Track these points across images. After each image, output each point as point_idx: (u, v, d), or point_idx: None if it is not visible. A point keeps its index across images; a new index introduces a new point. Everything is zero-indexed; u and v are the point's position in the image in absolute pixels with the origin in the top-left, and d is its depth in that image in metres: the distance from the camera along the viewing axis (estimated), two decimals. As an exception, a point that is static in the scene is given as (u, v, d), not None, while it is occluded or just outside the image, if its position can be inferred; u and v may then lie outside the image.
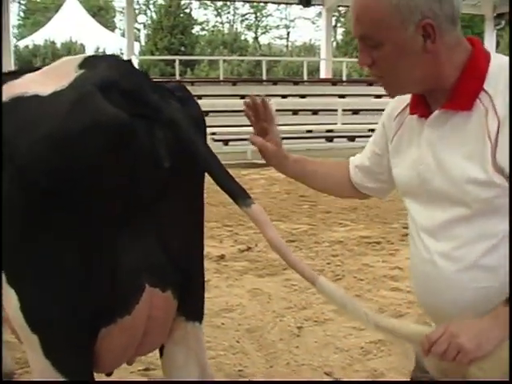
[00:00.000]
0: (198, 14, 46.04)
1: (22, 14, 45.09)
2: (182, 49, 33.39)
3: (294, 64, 31.38)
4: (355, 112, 17.10)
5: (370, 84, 18.48)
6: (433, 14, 1.67)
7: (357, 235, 7.36)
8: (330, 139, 16.41)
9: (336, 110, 15.51)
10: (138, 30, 40.69)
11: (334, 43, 30.03)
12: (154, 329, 2.18)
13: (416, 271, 1.93)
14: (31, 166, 1.85)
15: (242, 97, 16.75)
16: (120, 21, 47.79)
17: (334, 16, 27.32)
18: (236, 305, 5.23)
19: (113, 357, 2.17)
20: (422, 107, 1.87)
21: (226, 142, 13.07)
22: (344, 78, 21.79)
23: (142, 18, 45.02)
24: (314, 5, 22.96)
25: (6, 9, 18.76)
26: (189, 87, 2.27)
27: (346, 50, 35.34)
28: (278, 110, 13.87)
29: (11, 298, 1.99)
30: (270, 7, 47.24)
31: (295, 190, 10.17)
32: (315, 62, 28.40)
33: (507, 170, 1.65)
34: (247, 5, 46.24)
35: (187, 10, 36.59)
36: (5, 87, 2.06)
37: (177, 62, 21.23)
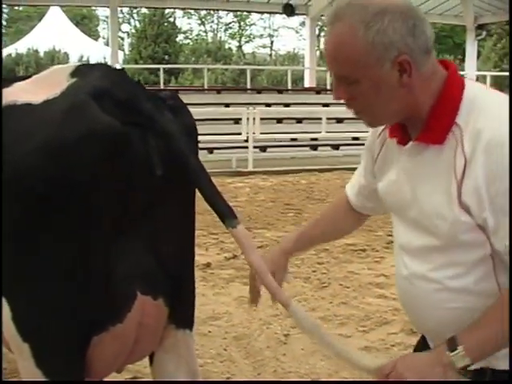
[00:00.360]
0: (181, 22, 46.10)
1: (4, 22, 44.88)
2: (166, 57, 33.39)
3: (277, 73, 31.48)
4: (339, 120, 17.15)
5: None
6: (408, 48, 1.67)
7: (342, 243, 7.36)
8: (314, 147, 16.46)
9: (320, 119, 15.58)
10: (122, 38, 40.59)
11: (318, 52, 30.10)
12: (145, 336, 2.18)
13: (397, 284, 2.01)
14: (24, 174, 1.85)
15: (227, 105, 16.83)
16: (103, 29, 47.86)
17: (317, 25, 27.40)
18: (223, 313, 5.23)
19: (104, 365, 2.17)
20: (400, 133, 1.87)
21: (210, 151, 13.07)
22: (328, 87, 21.83)
23: (125, 27, 45.00)
24: (297, 14, 23.08)
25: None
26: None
27: (330, 59, 35.46)
28: (262, 119, 13.95)
29: (2, 308, 1.99)
30: (254, 16, 47.38)
31: (280, 198, 10.19)
32: (299, 71, 28.48)
33: (473, 208, 1.67)
34: (231, 14, 46.40)
35: (171, 19, 36.65)
36: (-5, 96, 2.07)
37: (161, 71, 21.21)
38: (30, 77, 2.20)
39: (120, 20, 36.96)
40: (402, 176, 1.87)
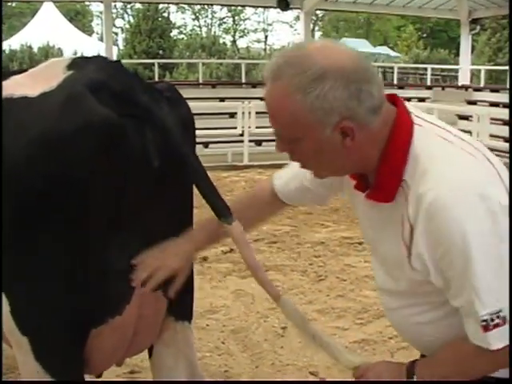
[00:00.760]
0: (175, 17, 45.84)
1: (-3, 18, 44.71)
2: (161, 52, 33.30)
3: (272, 67, 31.39)
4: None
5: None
6: (351, 113, 1.57)
7: (338, 236, 7.38)
8: (309, 141, 16.42)
9: (315, 112, 15.49)
10: (116, 34, 40.53)
11: (312, 46, 30.11)
12: (144, 328, 2.19)
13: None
14: (22, 168, 1.85)
15: (222, 99, 16.77)
16: (97, 25, 47.70)
17: (312, 20, 27.39)
18: (220, 306, 5.24)
19: (104, 357, 2.17)
20: (358, 179, 1.81)
21: (206, 145, 13.04)
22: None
23: (119, 22, 44.88)
24: (291, 8, 23.00)
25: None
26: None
27: (324, 53, 35.42)
28: (257, 113, 13.92)
29: (1, 302, 1.99)
30: (248, 11, 47.35)
31: (276, 191, 10.19)
32: (294, 65, 28.42)
33: (421, 272, 1.67)
34: (225, 8, 46.30)
35: (165, 14, 36.49)
36: (-9, 89, 2.06)
37: (156, 66, 21.16)
38: (26, 70, 2.19)
39: (114, 15, 36.84)
40: (364, 219, 1.89)
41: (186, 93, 2.35)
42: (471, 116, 13.09)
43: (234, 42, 47.56)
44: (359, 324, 4.89)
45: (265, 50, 48.16)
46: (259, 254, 6.57)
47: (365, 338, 4.55)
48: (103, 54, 22.36)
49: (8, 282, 1.96)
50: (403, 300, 1.85)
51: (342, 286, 5.75)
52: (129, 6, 42.05)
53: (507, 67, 15.72)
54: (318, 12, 36.42)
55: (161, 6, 34.31)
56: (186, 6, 43.53)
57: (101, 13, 28.23)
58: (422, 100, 17.85)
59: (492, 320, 1.58)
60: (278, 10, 22.86)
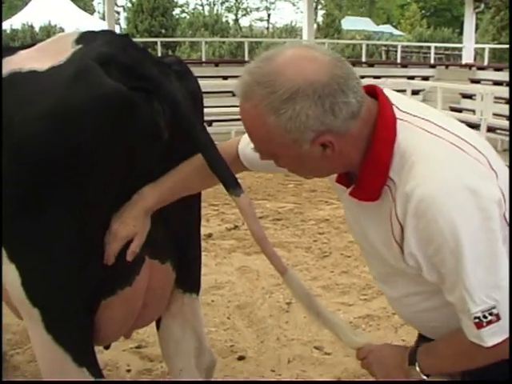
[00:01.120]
0: (177, -4, 45.62)
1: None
2: (163, 31, 33.13)
3: (275, 46, 31.12)
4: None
5: (353, 65, 18.45)
6: (327, 126, 1.52)
7: (342, 213, 7.35)
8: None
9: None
10: (118, 13, 40.25)
11: (315, 25, 29.91)
12: (152, 300, 2.22)
13: None
14: (32, 140, 1.86)
15: (225, 78, 16.73)
16: (99, 4, 47.43)
17: (314, -3, 27.29)
18: (225, 282, 5.27)
19: (113, 329, 2.20)
20: (342, 174, 1.77)
21: (209, 123, 13.02)
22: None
23: (121, 1, 44.60)
24: (294, -14, 22.90)
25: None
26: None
27: (327, 32, 35.22)
28: (260, 91, 13.91)
29: (11, 274, 2.01)
30: (251, -11, 47.06)
31: (280, 169, 10.20)
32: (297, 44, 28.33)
33: (415, 268, 1.66)
34: (227, -13, 46.04)
35: (167, -8, 36.28)
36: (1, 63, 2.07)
37: (158, 44, 21.07)
38: (34, 45, 2.20)
39: (116, -6, 36.61)
40: (349, 213, 1.87)
41: (188, 71, 2.36)
42: (475, 95, 13.04)
43: (236, 20, 47.33)
44: (363, 300, 4.92)
45: (267, 28, 47.95)
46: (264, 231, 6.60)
47: (369, 314, 4.59)
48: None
49: (19, 253, 1.99)
50: (400, 290, 1.85)
51: (347, 262, 5.78)
52: (131, -16, 41.81)
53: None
54: (321, -10, 36.20)
55: (163, -16, 34.07)
56: (188, -15, 43.28)
57: (103, -9, 28.13)
58: (425, 78, 17.82)
59: (485, 317, 1.56)
60: (281, -13, 22.70)
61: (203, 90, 2.30)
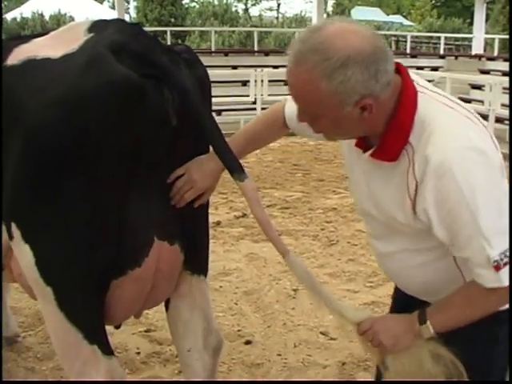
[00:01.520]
0: (187, -15, 45.54)
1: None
2: (173, 20, 33.13)
3: (285, 35, 31.22)
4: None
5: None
6: (370, 91, 1.70)
7: (350, 202, 7.44)
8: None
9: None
10: (128, 1, 40.24)
11: (325, 15, 29.85)
12: (161, 281, 2.29)
13: (376, 259, 2.26)
14: (46, 125, 1.93)
15: (234, 67, 16.76)
16: (108, -8, 47.38)
17: (324, -13, 27.16)
18: (233, 269, 5.35)
19: (123, 308, 2.27)
20: (359, 138, 1.96)
21: (219, 112, 13.05)
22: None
23: (131, -10, 44.58)
24: (304, -25, 22.84)
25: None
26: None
27: (337, 21, 35.17)
28: (270, 81, 13.92)
29: (25, 254, 2.09)
30: (260, -22, 46.92)
31: (288, 158, 10.26)
32: (306, 33, 28.24)
33: (426, 223, 1.82)
34: (237, -24, 45.89)
35: (177, -18, 36.24)
36: (15, 51, 2.13)
37: (168, 34, 21.10)
38: (47, 33, 2.26)
39: (125, -17, 36.64)
40: (361, 175, 2.01)
41: (198, 61, 2.42)
42: (484, 85, 13.02)
43: (246, 9, 47.20)
44: (369, 287, 4.98)
45: (277, 18, 47.83)
46: (272, 219, 6.64)
47: (375, 301, 4.65)
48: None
49: (33, 233, 2.06)
50: (396, 246, 2.03)
51: (353, 250, 5.84)
52: (141, -27, 41.77)
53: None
54: (331, -20, 36.06)
55: (173, -27, 34.04)
56: (197, -26, 43.17)
57: (112, -20, 28.16)
58: (434, 69, 17.78)
59: (501, 259, 1.75)
60: (291, -23, 22.66)
61: (212, 80, 2.37)
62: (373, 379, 3.53)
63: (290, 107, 2.21)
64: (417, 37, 29.75)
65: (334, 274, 5.23)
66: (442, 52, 22.05)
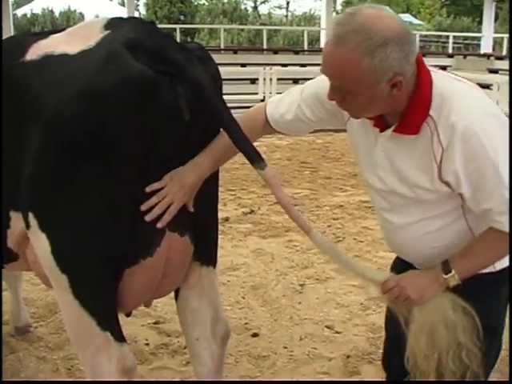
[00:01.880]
0: (197, -18, 45.62)
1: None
2: (182, 18, 33.24)
3: (294, 33, 31.30)
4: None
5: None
6: (402, 70, 1.91)
7: (356, 200, 7.51)
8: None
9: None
10: (137, -2, 40.39)
11: (334, 13, 29.88)
12: (172, 270, 2.37)
13: (384, 235, 2.44)
14: (64, 118, 2.01)
15: (243, 65, 16.84)
16: (118, -11, 47.49)
17: (334, -15, 27.21)
18: (241, 264, 5.43)
19: (134, 297, 2.35)
20: (377, 119, 2.13)
21: (227, 110, 13.18)
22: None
23: (141, -13, 44.67)
24: (314, -26, 22.85)
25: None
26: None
27: (346, 20, 35.22)
28: (278, 79, 14.00)
29: (42, 242, 2.17)
30: (270, -24, 46.89)
31: (296, 156, 10.34)
32: (315, 32, 28.34)
33: (452, 184, 2.02)
34: (246, -26, 45.90)
35: (186, -21, 36.32)
36: (33, 46, 2.21)
37: (177, 31, 21.23)
38: (64, 30, 2.34)
39: (135, -20, 36.72)
40: (380, 153, 2.17)
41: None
42: (491, 85, 13.06)
43: (255, 7, 47.24)
44: (375, 282, 5.03)
45: (286, 16, 47.87)
46: (279, 216, 6.74)
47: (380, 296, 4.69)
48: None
49: (49, 223, 2.14)
50: (413, 217, 2.20)
51: (359, 247, 5.90)
52: (150, -30, 41.82)
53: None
54: (340, -22, 36.01)
55: (182, -30, 34.12)
56: (207, -29, 43.20)
57: (122, -23, 28.25)
58: (443, 68, 17.47)
59: None
60: (301, -25, 22.70)
61: (222, 77, 2.44)
62: (377, 372, 3.61)
63: (272, 109, 2.42)
64: (426, 36, 29.75)
65: (341, 270, 5.28)
66: (450, 51, 22.11)
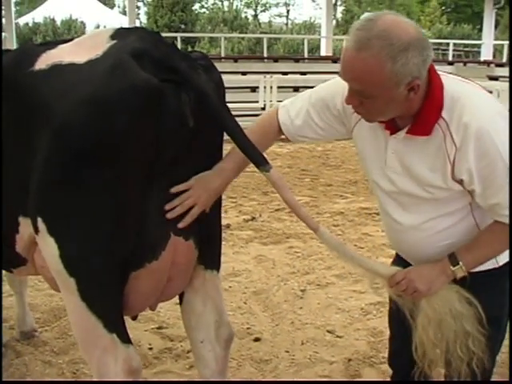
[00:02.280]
0: (197, -9, 45.76)
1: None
2: (183, 26, 33.37)
3: (294, 42, 31.40)
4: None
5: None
6: (420, 74, 2.01)
7: (357, 206, 7.57)
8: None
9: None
10: (138, 7, 40.51)
11: (334, 21, 30.04)
12: (177, 274, 2.43)
13: (391, 237, 2.52)
14: (72, 125, 2.07)
15: (244, 73, 16.91)
16: (118, -2, 47.70)
17: (334, -7, 27.30)
18: (242, 270, 5.48)
19: (140, 300, 2.41)
20: (387, 122, 2.21)
21: (228, 118, 13.24)
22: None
23: (141, -4, 44.81)
24: (314, -18, 22.95)
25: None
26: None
27: (346, 28, 35.32)
28: (279, 87, 14.06)
29: (50, 247, 2.22)
30: (270, -15, 47.04)
31: (297, 164, 10.40)
32: (315, 40, 28.46)
33: (465, 181, 2.11)
34: (247, -18, 46.06)
35: (187, -12, 36.44)
36: (42, 56, 2.28)
37: (178, 40, 21.32)
38: (71, 40, 2.40)
39: (136, -11, 36.86)
40: (391, 155, 2.26)
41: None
42: (491, 92, 13.13)
43: (255, 16, 47.42)
44: (375, 288, 5.06)
45: (286, 24, 48.01)
46: (280, 223, 6.81)
47: (380, 301, 4.75)
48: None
49: (58, 227, 2.20)
50: (423, 216, 2.29)
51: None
52: (151, -21, 41.98)
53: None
54: (340, -14, 36.15)
55: (183, -21, 34.25)
56: (208, -20, 43.37)
57: (123, -14, 28.38)
58: (443, 75, 17.83)
59: None
60: (301, -16, 22.79)
61: (224, 85, 2.51)
62: (377, 375, 3.67)
63: (283, 114, 2.49)
64: (426, 43, 29.76)
65: (341, 276, 5.34)
66: (450, 58, 22.19)
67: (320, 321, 4.50)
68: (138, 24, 27.44)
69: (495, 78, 16.92)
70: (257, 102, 13.81)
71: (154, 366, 3.82)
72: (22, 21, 32.21)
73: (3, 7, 18.25)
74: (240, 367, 3.84)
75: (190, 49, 29.63)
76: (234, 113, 2.28)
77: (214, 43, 30.83)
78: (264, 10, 49.35)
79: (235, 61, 19.90)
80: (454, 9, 44.51)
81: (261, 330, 4.35)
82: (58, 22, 31.31)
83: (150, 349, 4.02)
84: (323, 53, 23.54)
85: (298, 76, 18.37)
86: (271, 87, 13.97)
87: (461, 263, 2.22)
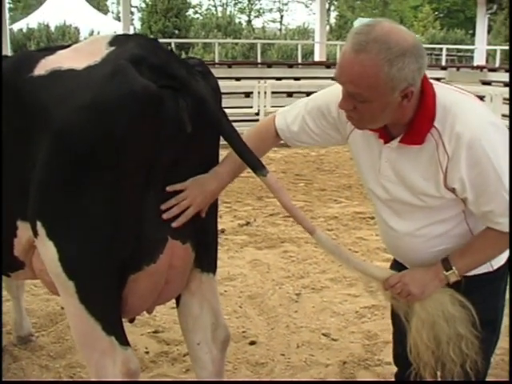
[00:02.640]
0: (191, -4, 45.82)
1: (13, -4, 44.80)
2: (177, 32, 33.38)
3: (288, 47, 31.41)
4: (349, 94, 17.24)
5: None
6: (414, 80, 2.03)
7: (351, 211, 7.61)
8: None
9: (330, 92, 15.62)
10: (132, 13, 40.51)
11: (328, 27, 30.12)
12: (174, 277, 2.46)
13: (387, 242, 2.54)
14: (71, 130, 2.11)
15: (238, 79, 16.94)
16: (112, 4, 47.77)
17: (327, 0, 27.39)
18: (237, 274, 5.51)
19: (138, 302, 2.44)
20: (382, 131, 2.24)
21: (222, 124, 13.27)
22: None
23: (135, 1, 44.85)
24: (307, -12, 23.01)
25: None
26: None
27: (340, 34, 35.47)
28: (273, 92, 14.10)
29: (49, 250, 2.25)
30: (264, -10, 47.16)
31: (291, 169, 10.44)
32: (309, 45, 28.49)
33: (458, 190, 2.14)
34: (240, -12, 46.14)
35: (181, -7, 36.46)
36: (41, 62, 2.31)
37: (172, 46, 21.31)
38: (69, 46, 2.44)
39: (130, -6, 36.89)
40: (384, 164, 2.29)
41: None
42: (485, 96, 13.21)
43: (249, 21, 47.48)
44: (369, 291, 5.10)
45: (280, 29, 48.08)
46: (275, 228, 6.84)
47: (374, 304, 4.79)
48: (120, 33, 22.41)
49: (57, 231, 2.23)
50: (417, 223, 2.32)
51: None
52: (145, -15, 42.03)
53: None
54: (333, -8, 36.27)
55: (177, -15, 34.27)
56: (201, -14, 43.43)
57: (117, -8, 28.43)
58: (436, 80, 17.92)
59: None
60: (294, -10, 22.84)
61: (220, 91, 2.55)
62: (372, 378, 3.70)
63: (280, 120, 2.54)
64: (419, 49, 29.84)
65: (336, 279, 5.38)
66: (443, 63, 22.26)
67: (315, 324, 4.53)
68: (131, 30, 27.48)
69: (488, 83, 17.04)
70: (251, 107, 13.85)
71: (151, 370, 3.85)
72: (16, 27, 32.17)
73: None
74: (236, 370, 3.87)
75: (183, 54, 29.66)
76: (229, 118, 2.32)
77: (207, 49, 30.83)
78: (258, 16, 49.42)
79: (229, 66, 19.91)
80: (446, 14, 44.66)
81: (256, 333, 4.38)
82: (52, 28, 31.25)
83: (147, 352, 4.05)
84: (317, 58, 23.56)
85: (292, 81, 18.41)
86: (265, 92, 14.01)
87: (454, 268, 2.26)
